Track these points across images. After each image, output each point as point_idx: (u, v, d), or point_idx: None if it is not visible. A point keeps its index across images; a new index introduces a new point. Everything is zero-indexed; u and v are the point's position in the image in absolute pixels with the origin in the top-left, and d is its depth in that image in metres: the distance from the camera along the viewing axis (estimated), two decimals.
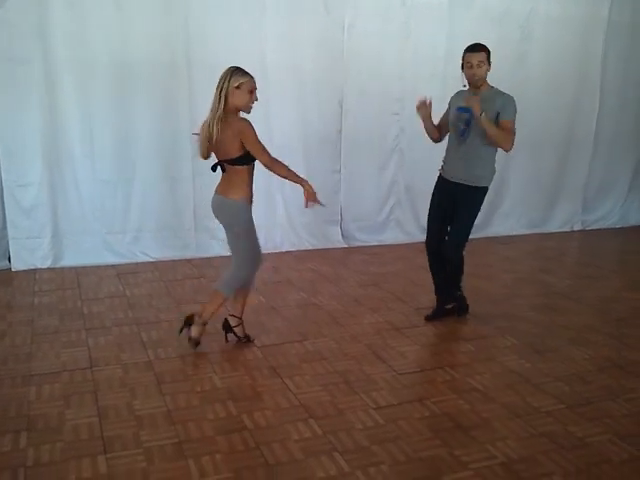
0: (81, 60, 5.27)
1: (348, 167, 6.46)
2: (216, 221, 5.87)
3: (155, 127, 5.61)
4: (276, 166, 3.62)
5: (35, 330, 4.19)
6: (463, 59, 4.11)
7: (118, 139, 5.52)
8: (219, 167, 3.72)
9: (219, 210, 3.80)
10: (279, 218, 6.27)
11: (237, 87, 3.52)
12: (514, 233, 7.18)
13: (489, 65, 4.10)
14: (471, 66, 4.08)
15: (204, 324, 3.89)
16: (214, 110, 3.54)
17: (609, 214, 7.83)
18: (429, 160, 6.58)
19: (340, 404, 3.30)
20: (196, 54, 5.57)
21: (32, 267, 5.45)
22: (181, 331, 3.92)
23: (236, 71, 3.55)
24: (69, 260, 5.57)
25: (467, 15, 6.40)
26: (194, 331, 3.87)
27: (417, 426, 3.10)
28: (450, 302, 4.60)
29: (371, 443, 2.95)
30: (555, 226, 7.50)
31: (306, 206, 3.73)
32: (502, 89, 4.18)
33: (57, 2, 5.11)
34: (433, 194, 4.51)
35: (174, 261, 5.78)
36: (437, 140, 4.54)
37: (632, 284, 5.60)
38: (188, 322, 3.90)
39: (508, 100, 4.11)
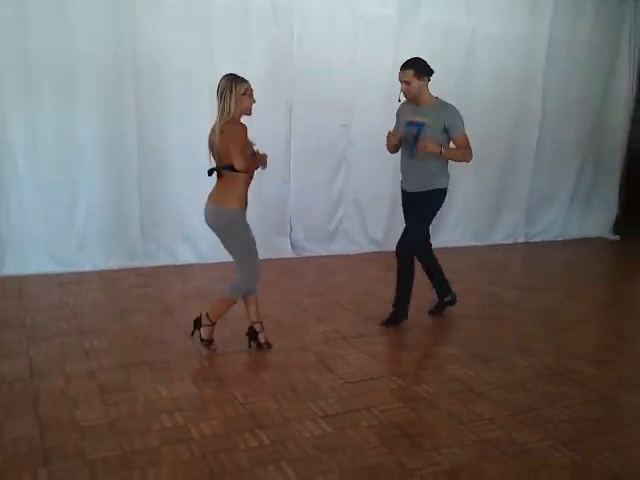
0: (23, 62, 5.15)
1: (297, 177, 6.49)
2: (163, 229, 5.91)
3: (100, 132, 5.52)
4: (249, 168, 3.74)
5: None
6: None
7: (62, 144, 5.41)
8: (215, 173, 3.79)
9: (216, 220, 3.84)
10: None
11: (243, 93, 3.67)
12: (459, 245, 7.31)
13: (421, 80, 4.24)
14: (401, 83, 4.29)
15: (213, 324, 4.01)
16: (222, 118, 3.65)
17: (551, 227, 8.06)
18: (376, 173, 6.74)
19: (288, 413, 3.30)
20: (143, 61, 5.52)
21: None
22: (192, 333, 4.09)
23: (237, 78, 3.69)
24: (11, 269, 5.41)
25: (414, 28, 6.54)
26: (204, 332, 4.01)
27: (364, 434, 3.12)
28: (447, 294, 4.90)
29: (319, 452, 2.95)
30: (499, 238, 7.68)
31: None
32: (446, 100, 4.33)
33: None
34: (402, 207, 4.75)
35: (120, 270, 5.68)
36: (393, 152, 4.64)
37: (574, 295, 5.78)
38: (197, 324, 4.05)
39: (453, 113, 4.26)
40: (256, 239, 6.64)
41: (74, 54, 5.27)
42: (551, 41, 7.30)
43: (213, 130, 3.73)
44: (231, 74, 3.73)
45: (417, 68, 4.22)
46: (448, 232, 7.32)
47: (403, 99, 4.45)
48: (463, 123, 4.28)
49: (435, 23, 6.64)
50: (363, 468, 2.84)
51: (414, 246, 4.62)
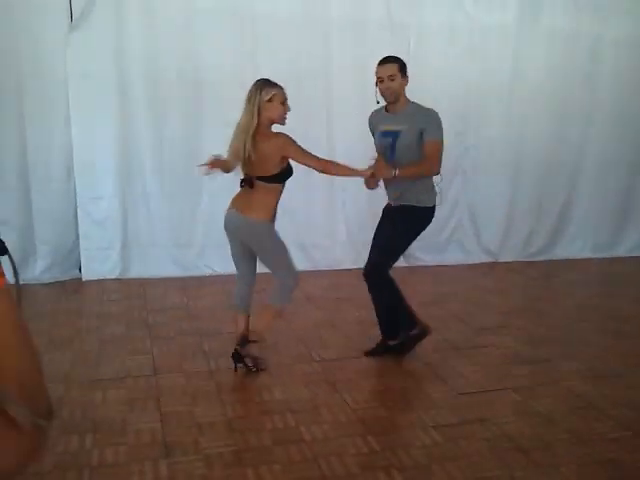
0: (153, 77, 5.47)
1: None
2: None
3: (222, 143, 5.72)
4: (327, 167, 3.58)
5: (102, 337, 4.33)
6: (375, 74, 3.82)
7: (186, 154, 5.65)
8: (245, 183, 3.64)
9: (242, 230, 3.66)
10: (339, 235, 6.31)
11: (269, 100, 3.44)
12: (580, 257, 7.01)
13: (404, 78, 3.79)
14: (382, 80, 3.77)
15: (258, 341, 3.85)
16: (247, 126, 3.46)
17: None
18: (492, 180, 6.60)
19: (398, 421, 3.29)
20: (264, 73, 5.67)
21: (101, 277, 5.64)
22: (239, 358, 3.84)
23: (265, 83, 3.48)
24: (136, 271, 5.74)
25: (533, 35, 6.36)
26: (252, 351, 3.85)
27: (477, 446, 3.06)
28: (395, 338, 4.11)
29: (430, 461, 2.92)
30: (624, 250, 7.26)
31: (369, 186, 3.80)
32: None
33: (133, 22, 5.34)
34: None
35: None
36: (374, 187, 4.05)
37: None
38: (242, 343, 3.82)
39: (432, 116, 3.78)
40: (367, 247, 6.67)
41: (199, 67, 5.54)
42: None
43: (241, 142, 3.48)
44: (261, 79, 3.51)
45: (402, 64, 3.76)
46: (568, 244, 7.03)
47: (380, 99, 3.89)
48: (441, 130, 3.77)
49: (557, 28, 6.40)
50: None
51: (381, 269, 4.03)
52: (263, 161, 3.48)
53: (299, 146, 3.49)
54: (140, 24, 5.36)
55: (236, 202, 3.68)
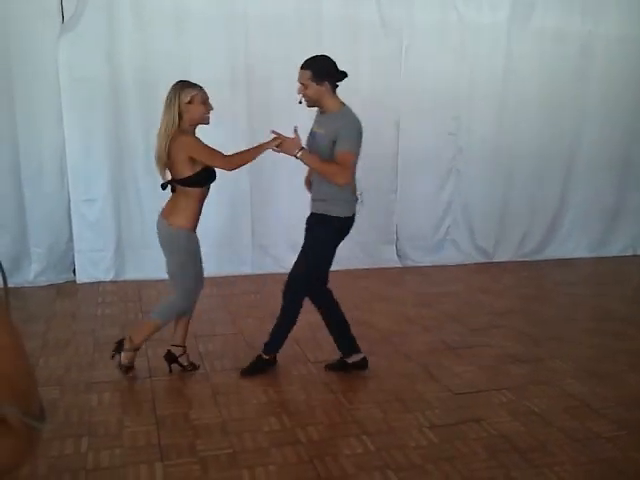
0: (145, 79, 5.44)
1: (404, 187, 6.46)
2: (271, 238, 6.06)
3: (215, 144, 5.72)
4: (235, 162, 3.47)
5: (97, 340, 4.32)
6: None
7: None
8: (169, 187, 3.56)
9: (160, 234, 3.60)
10: None
11: (189, 102, 3.37)
12: (573, 256, 7.03)
13: (321, 84, 3.45)
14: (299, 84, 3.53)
15: (136, 350, 3.69)
16: (168, 129, 3.36)
17: None
18: (486, 180, 6.62)
19: (393, 422, 3.29)
20: (255, 76, 5.70)
21: (96, 280, 5.62)
22: (113, 357, 3.71)
23: (184, 85, 3.40)
24: (131, 273, 5.72)
25: (526, 34, 6.36)
26: (124, 357, 3.66)
27: (473, 446, 3.07)
28: (350, 354, 3.87)
29: (425, 462, 2.93)
30: (616, 250, 7.29)
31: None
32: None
33: (125, 24, 5.32)
34: None
35: (231, 277, 5.87)
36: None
37: None
38: (118, 349, 3.68)
39: (346, 127, 3.46)
40: (362, 247, 6.66)
41: (191, 68, 5.48)
42: None
43: (160, 144, 3.39)
44: (180, 81, 3.42)
45: (316, 70, 3.44)
46: (560, 243, 7.06)
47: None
48: (353, 143, 3.47)
49: (548, 27, 6.41)
50: None
51: (298, 282, 3.81)
52: (174, 163, 3.40)
53: (205, 146, 3.40)
54: (132, 25, 5.34)
55: (163, 208, 3.60)
